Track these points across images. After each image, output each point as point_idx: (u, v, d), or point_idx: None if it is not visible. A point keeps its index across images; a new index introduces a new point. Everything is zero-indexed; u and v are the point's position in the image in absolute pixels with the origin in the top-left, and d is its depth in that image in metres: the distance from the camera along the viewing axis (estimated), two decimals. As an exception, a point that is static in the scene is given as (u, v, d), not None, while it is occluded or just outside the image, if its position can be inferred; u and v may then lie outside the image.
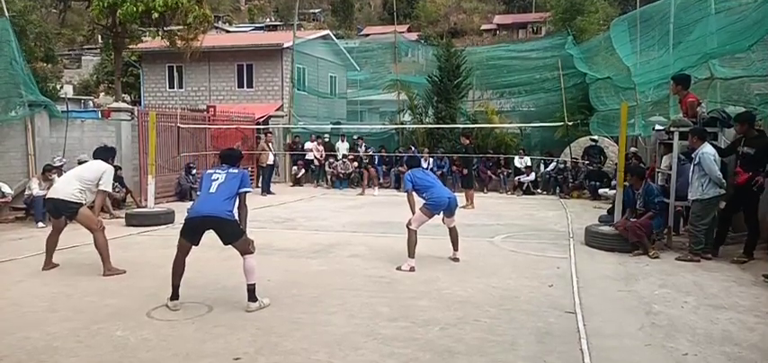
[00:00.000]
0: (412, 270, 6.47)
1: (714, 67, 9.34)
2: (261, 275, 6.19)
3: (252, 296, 4.99)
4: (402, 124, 19.02)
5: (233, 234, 5.00)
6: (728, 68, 9.49)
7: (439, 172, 16.35)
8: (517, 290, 5.70)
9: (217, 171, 5.28)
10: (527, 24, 59.24)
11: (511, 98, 21.16)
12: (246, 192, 5.22)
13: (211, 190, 5.06)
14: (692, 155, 7.19)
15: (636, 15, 13.26)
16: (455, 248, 7.13)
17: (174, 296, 5.05)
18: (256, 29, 54.39)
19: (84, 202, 6.28)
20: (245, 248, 5.03)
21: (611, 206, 9.81)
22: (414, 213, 6.85)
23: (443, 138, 17.38)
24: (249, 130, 17.29)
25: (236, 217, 5.05)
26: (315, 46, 26.12)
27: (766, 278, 6.05)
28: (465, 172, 13.21)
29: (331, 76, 27.89)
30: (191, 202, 13.17)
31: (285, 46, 23.86)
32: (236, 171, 5.28)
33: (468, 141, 12.73)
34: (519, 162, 15.86)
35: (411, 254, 6.60)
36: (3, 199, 9.84)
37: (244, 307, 4.96)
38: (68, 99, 28.31)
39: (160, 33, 19.42)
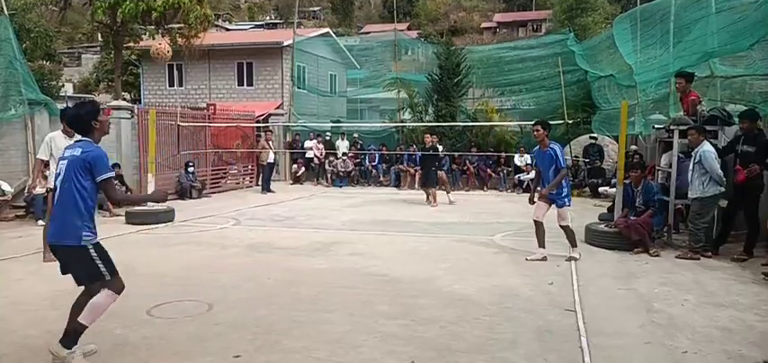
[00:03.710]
0: (544, 259, 6.85)
1: (714, 66, 9.34)
2: (261, 273, 6.22)
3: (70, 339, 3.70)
4: (402, 122, 19.03)
5: (81, 271, 3.70)
6: (730, 67, 9.50)
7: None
8: (517, 288, 5.70)
9: (67, 149, 3.82)
10: (527, 22, 59.30)
11: (511, 96, 21.16)
12: (105, 179, 3.70)
13: (57, 195, 3.75)
14: (692, 153, 7.20)
15: (636, 13, 13.26)
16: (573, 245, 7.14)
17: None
18: (256, 27, 54.37)
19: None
20: (96, 290, 3.71)
21: (611, 204, 9.82)
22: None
23: (444, 136, 17.38)
24: (249, 128, 17.31)
25: (88, 235, 3.64)
26: (315, 44, 26.09)
27: (766, 276, 6.06)
28: (420, 170, 13.23)
29: (331, 74, 27.88)
30: (190, 200, 13.23)
31: (285, 44, 23.84)
32: (81, 144, 3.74)
33: (430, 140, 12.60)
34: (519, 160, 15.86)
35: (542, 244, 6.97)
36: (3, 198, 9.85)
37: (53, 351, 3.71)
38: (68, 97, 28.26)
39: (160, 32, 19.42)
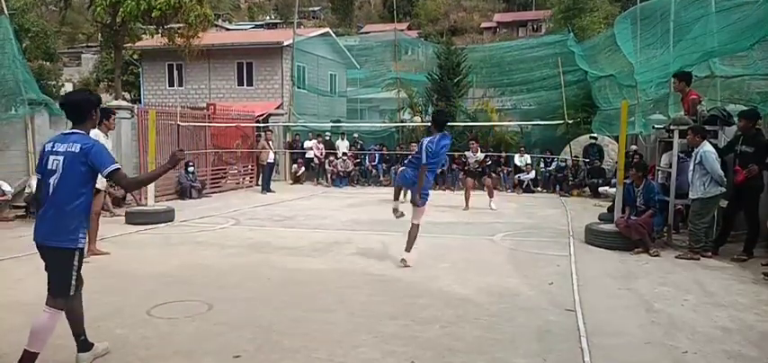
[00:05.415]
0: (401, 214, 6.83)
1: (714, 65, 9.34)
2: (261, 273, 6.23)
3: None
4: (402, 122, 19.04)
5: (58, 278, 3.50)
6: (729, 66, 9.49)
7: (439, 170, 16.38)
8: (517, 288, 5.70)
9: (57, 143, 3.55)
10: (527, 22, 59.29)
11: (511, 96, 21.19)
12: (112, 171, 3.49)
13: (51, 193, 3.49)
14: (693, 153, 7.20)
15: (636, 12, 13.27)
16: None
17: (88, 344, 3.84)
18: (256, 27, 54.40)
19: None
20: (59, 301, 3.55)
21: (611, 204, 9.82)
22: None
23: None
24: (249, 128, 17.30)
25: (83, 238, 3.57)
26: (315, 44, 26.10)
27: (766, 276, 6.06)
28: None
29: (331, 74, 27.89)
30: (191, 200, 13.23)
31: (285, 44, 23.84)
32: (79, 138, 3.53)
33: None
34: (519, 160, 15.87)
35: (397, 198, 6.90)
36: (3, 198, 9.85)
37: None
38: (68, 97, 28.23)
39: (160, 31, 19.45)
